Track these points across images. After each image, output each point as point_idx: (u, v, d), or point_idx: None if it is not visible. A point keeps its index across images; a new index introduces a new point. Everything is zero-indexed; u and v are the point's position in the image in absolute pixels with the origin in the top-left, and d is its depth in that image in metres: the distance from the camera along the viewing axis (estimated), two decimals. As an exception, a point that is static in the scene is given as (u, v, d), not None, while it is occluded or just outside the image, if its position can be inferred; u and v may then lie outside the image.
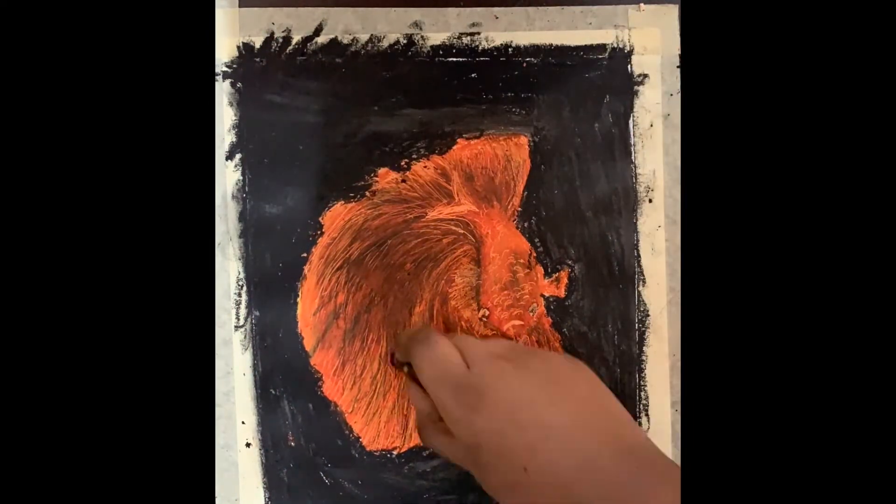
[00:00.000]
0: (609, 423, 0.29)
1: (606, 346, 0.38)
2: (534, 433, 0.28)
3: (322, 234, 0.37)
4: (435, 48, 0.37)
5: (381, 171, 0.37)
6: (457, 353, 0.31)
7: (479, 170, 0.37)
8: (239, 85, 0.37)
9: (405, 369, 0.34)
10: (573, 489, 0.26)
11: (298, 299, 0.37)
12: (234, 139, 0.37)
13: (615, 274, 0.38)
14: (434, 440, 0.32)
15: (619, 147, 0.37)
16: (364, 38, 0.37)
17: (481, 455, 0.28)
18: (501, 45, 0.37)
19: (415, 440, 0.37)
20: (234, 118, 0.37)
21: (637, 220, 0.38)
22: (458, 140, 0.37)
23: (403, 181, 0.37)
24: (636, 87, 0.37)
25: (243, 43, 0.36)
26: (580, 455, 0.27)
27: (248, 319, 0.37)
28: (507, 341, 0.34)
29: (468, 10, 0.37)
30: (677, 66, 0.37)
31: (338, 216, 0.37)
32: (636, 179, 0.38)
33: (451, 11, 0.37)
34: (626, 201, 0.38)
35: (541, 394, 0.29)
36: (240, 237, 0.37)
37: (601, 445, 0.28)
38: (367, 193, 0.37)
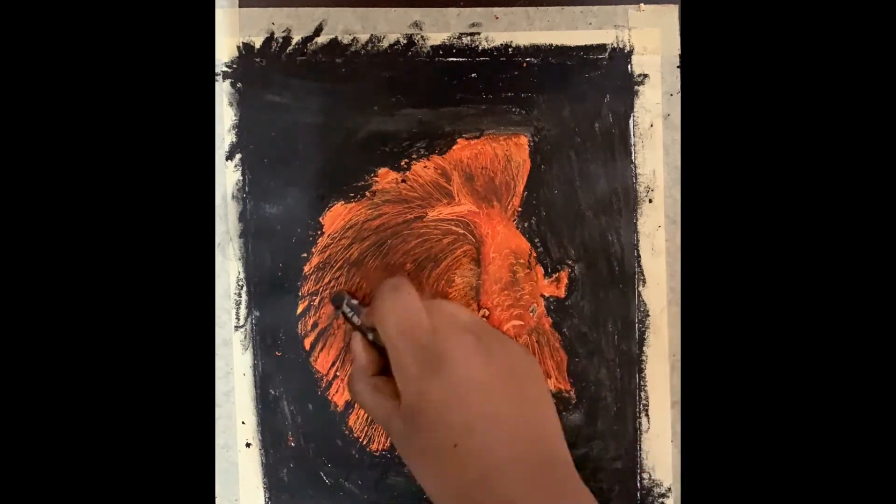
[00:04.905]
0: (544, 430, 0.30)
1: (606, 347, 0.38)
2: (476, 415, 0.28)
3: (322, 234, 0.37)
4: (435, 48, 0.37)
5: (381, 171, 0.37)
6: (425, 312, 0.31)
7: (479, 170, 0.37)
8: (239, 85, 0.37)
9: (354, 319, 0.35)
10: (490, 481, 0.27)
11: (298, 299, 0.37)
12: (234, 139, 0.37)
13: (615, 274, 0.38)
14: (365, 393, 0.32)
15: (619, 147, 0.37)
16: (364, 38, 0.37)
17: (418, 417, 0.29)
18: (501, 45, 0.37)
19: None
20: (234, 118, 0.37)
21: (637, 220, 0.38)
22: (458, 140, 0.37)
23: (403, 181, 0.37)
24: (636, 87, 0.37)
25: (243, 43, 0.36)
26: (508, 451, 0.28)
27: (248, 319, 0.37)
28: (472, 313, 0.34)
29: (468, 10, 0.37)
30: (677, 66, 0.37)
31: (338, 216, 0.37)
32: (636, 179, 0.38)
33: (451, 11, 0.37)
34: (626, 201, 0.38)
35: (495, 381, 0.30)
36: (240, 237, 0.37)
37: (530, 450, 0.28)
38: (367, 193, 0.37)
